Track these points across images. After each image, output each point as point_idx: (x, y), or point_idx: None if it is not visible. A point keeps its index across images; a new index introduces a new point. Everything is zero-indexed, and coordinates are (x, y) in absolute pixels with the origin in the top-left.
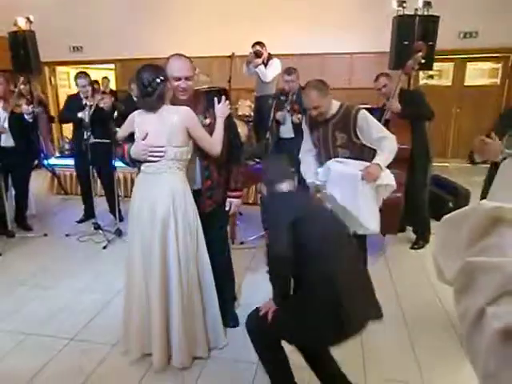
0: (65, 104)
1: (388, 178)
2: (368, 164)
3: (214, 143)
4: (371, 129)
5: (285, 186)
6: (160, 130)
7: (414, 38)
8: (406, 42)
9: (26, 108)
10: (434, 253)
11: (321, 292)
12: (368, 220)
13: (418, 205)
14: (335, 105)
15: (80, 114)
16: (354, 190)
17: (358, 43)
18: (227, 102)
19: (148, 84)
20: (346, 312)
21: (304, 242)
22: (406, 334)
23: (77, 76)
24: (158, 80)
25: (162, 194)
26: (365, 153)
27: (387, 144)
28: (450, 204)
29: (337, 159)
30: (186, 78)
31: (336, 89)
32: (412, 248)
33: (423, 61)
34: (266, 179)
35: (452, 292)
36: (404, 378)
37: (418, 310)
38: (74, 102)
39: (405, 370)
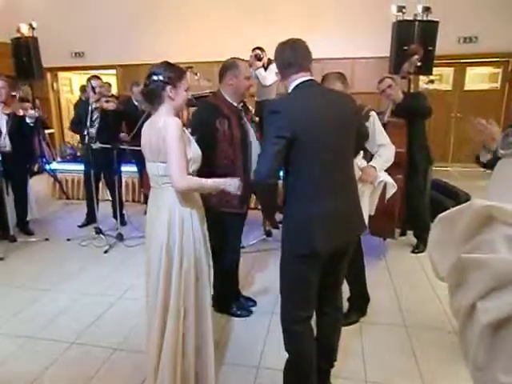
0: (75, 111)
1: (385, 177)
2: (364, 166)
3: (176, 175)
4: (376, 133)
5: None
6: (144, 142)
7: (413, 43)
8: (405, 47)
9: (32, 113)
10: (429, 250)
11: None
12: None
13: (419, 209)
14: None
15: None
16: None
17: (358, 48)
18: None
19: (148, 76)
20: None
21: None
22: (407, 338)
23: (90, 78)
24: (155, 77)
25: (159, 214)
26: (366, 154)
27: (386, 152)
28: (451, 208)
29: None
30: None
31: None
32: (413, 252)
33: (419, 64)
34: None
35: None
36: (405, 381)
37: (419, 314)
38: (82, 106)
39: (406, 374)
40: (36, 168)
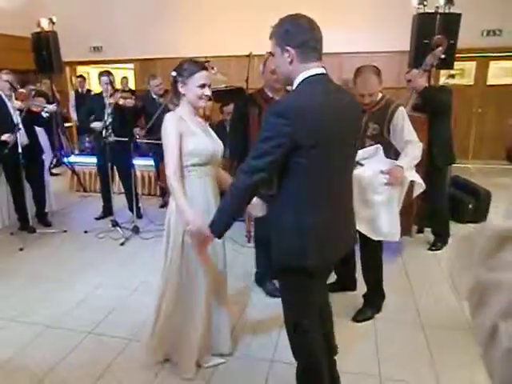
0: (86, 104)
1: (413, 176)
2: (389, 164)
3: (167, 164)
4: (404, 129)
5: None
6: None
7: (434, 36)
8: (426, 41)
9: (50, 107)
10: (450, 270)
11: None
12: (386, 226)
13: (438, 206)
14: (378, 95)
15: (94, 125)
16: (371, 195)
17: (376, 42)
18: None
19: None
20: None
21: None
22: (423, 337)
23: (101, 74)
24: (172, 73)
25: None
26: (391, 151)
27: (414, 150)
28: (470, 206)
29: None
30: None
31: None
32: (429, 249)
33: (443, 56)
34: None
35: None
36: (419, 380)
37: (435, 312)
38: (97, 100)
39: (421, 374)
40: (55, 161)
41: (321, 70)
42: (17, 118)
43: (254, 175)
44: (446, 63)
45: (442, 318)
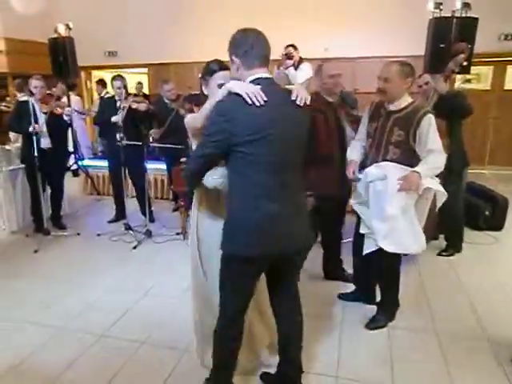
0: (100, 107)
1: (431, 183)
2: (405, 171)
3: None
4: (429, 137)
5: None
6: None
7: (450, 40)
8: (442, 45)
9: (69, 109)
10: None
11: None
12: (406, 238)
13: (453, 212)
14: (406, 100)
15: (114, 118)
16: (386, 207)
17: (390, 47)
18: None
19: None
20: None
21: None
22: (437, 345)
23: (113, 78)
24: (199, 75)
25: None
26: (414, 159)
27: (435, 159)
28: (486, 212)
29: (377, 165)
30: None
31: (368, 93)
32: (439, 254)
33: (465, 63)
34: None
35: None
36: None
37: (450, 320)
38: (110, 104)
39: (435, 382)
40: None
41: (263, 75)
42: (42, 122)
43: (195, 162)
44: (464, 68)
45: (457, 326)
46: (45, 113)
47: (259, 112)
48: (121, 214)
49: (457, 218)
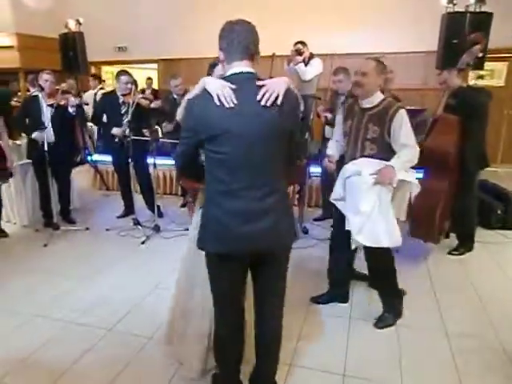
0: (99, 105)
1: (405, 175)
2: (379, 166)
3: None
4: (401, 132)
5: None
6: None
7: (464, 36)
8: (455, 41)
9: (72, 100)
10: None
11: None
12: (382, 233)
13: (465, 211)
14: (379, 96)
15: (114, 131)
16: (361, 202)
17: (402, 42)
18: None
19: None
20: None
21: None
22: (447, 346)
23: (119, 73)
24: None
25: None
26: (392, 154)
27: (407, 153)
28: (499, 211)
29: (354, 163)
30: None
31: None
32: (450, 253)
33: (481, 54)
34: None
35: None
36: None
37: (461, 321)
38: (111, 100)
39: (444, 382)
40: (79, 159)
41: (242, 69)
42: (48, 116)
43: (177, 159)
44: (477, 63)
45: (467, 326)
46: (51, 105)
47: (224, 110)
48: (129, 209)
49: (469, 217)
